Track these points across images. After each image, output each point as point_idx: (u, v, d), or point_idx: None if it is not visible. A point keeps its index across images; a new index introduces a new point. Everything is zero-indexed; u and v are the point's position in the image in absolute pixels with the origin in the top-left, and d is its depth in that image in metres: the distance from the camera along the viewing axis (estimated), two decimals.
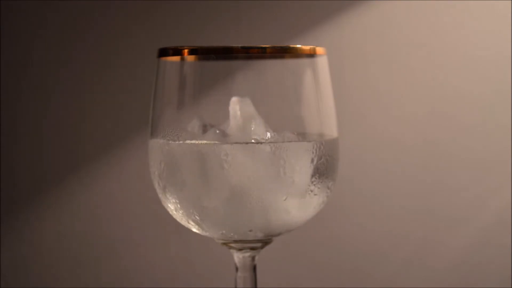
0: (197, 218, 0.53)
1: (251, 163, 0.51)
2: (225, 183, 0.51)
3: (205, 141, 0.52)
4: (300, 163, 0.51)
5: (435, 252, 0.84)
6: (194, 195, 0.52)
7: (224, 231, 0.53)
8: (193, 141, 0.52)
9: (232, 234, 0.53)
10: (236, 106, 0.52)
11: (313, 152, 0.52)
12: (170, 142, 0.53)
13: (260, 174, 0.51)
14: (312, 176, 0.52)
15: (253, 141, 0.51)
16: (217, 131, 0.52)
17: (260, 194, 0.51)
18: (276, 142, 0.51)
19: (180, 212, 0.53)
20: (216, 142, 0.52)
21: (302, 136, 0.53)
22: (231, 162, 0.50)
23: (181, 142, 0.52)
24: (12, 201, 0.84)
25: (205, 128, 0.53)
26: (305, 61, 0.54)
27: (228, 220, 0.52)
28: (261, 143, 0.51)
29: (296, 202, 0.52)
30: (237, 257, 0.56)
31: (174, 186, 0.52)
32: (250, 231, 0.53)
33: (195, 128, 0.53)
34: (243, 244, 0.55)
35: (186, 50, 0.53)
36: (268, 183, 0.51)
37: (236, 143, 0.51)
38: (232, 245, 0.55)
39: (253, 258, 0.56)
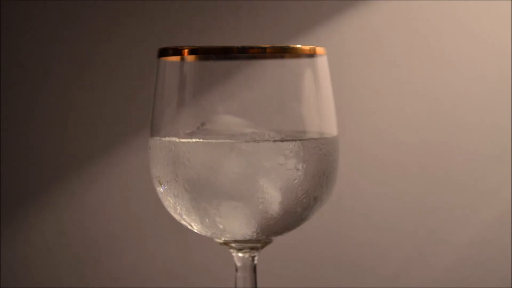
0: (215, 217, 0.52)
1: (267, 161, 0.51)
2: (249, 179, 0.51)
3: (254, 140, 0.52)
4: (300, 160, 0.52)
5: (436, 251, 0.84)
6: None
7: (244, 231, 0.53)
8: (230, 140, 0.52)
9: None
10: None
11: (313, 150, 0.52)
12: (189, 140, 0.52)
13: (270, 169, 0.51)
14: (314, 172, 0.52)
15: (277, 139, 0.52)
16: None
17: (270, 190, 0.51)
18: (280, 140, 0.51)
19: (185, 210, 0.53)
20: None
21: (302, 134, 0.53)
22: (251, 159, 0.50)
23: (219, 140, 0.52)
24: (12, 201, 0.84)
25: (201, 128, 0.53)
26: (305, 61, 0.54)
27: (239, 215, 0.52)
28: (274, 141, 0.51)
29: (299, 199, 0.52)
30: (237, 257, 0.56)
31: (186, 185, 0.52)
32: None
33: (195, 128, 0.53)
34: (243, 244, 0.55)
35: (186, 50, 0.53)
36: (276, 177, 0.51)
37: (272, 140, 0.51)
38: (232, 245, 0.55)
39: (253, 258, 0.56)
